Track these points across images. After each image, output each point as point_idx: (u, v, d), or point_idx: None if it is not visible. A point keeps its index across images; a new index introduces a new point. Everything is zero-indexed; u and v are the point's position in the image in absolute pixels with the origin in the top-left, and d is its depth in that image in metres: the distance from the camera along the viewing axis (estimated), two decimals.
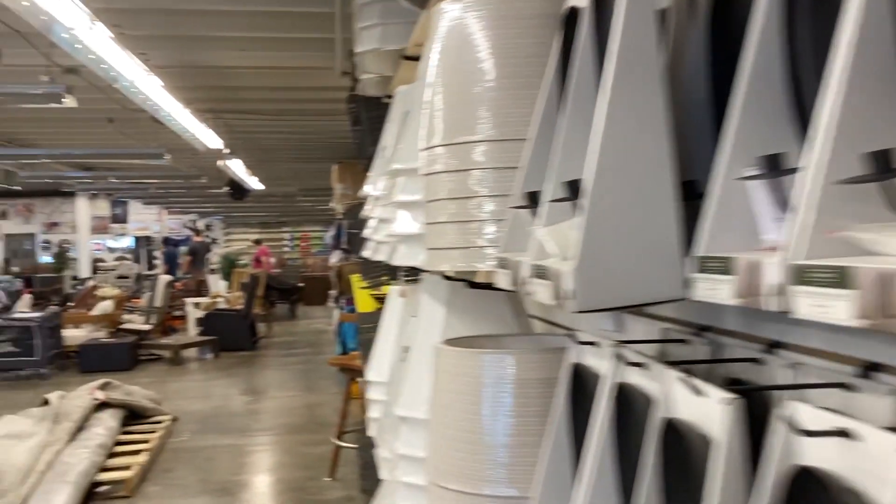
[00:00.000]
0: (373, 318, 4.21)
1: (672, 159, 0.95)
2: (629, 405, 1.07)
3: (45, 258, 25.14)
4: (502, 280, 1.25)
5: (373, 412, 2.70)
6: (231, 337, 11.29)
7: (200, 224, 27.49)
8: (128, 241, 25.55)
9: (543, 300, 1.04)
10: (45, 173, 10.85)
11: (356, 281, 5.36)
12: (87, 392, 5.81)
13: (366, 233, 2.77)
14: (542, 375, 1.48)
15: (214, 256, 18.74)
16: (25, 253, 26.45)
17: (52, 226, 25.94)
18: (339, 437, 5.00)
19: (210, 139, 7.84)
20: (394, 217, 1.86)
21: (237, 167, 10.23)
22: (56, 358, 9.65)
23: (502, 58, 1.39)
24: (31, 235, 26.41)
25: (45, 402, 5.65)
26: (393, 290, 2.87)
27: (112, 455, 5.22)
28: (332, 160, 13.03)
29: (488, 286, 1.45)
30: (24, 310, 9.84)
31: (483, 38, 1.40)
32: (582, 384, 1.26)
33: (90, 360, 9.60)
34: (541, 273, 1.04)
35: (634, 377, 1.07)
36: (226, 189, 13.91)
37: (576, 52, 1.12)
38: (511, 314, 1.91)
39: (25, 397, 8.18)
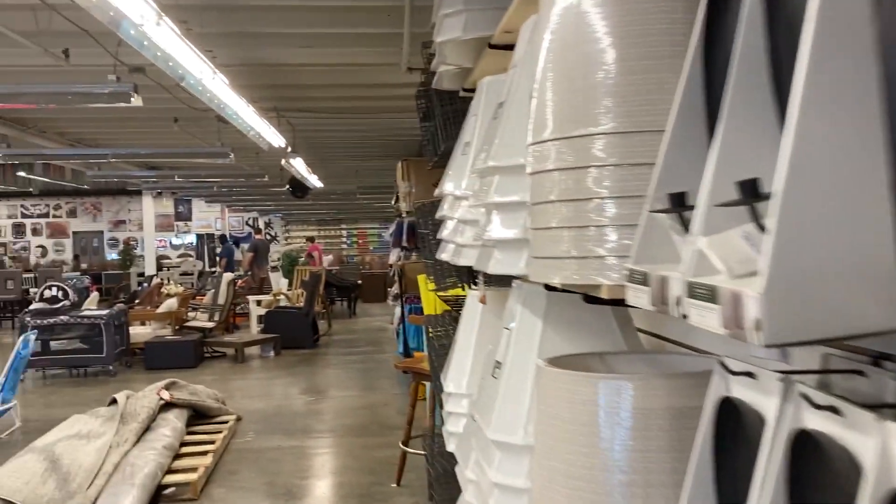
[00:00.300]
0: (441, 322, 4.06)
1: (888, 152, 0.75)
2: (809, 458, 0.87)
3: (112, 255, 25.84)
4: (637, 297, 1.06)
5: (451, 426, 2.53)
6: (292, 335, 11.31)
7: (261, 222, 27.85)
8: (191, 239, 26.06)
9: (708, 327, 0.85)
10: (112, 173, 11.03)
11: (423, 282, 5.21)
12: (153, 392, 5.80)
13: (443, 234, 2.60)
14: (668, 405, 1.28)
15: (275, 254, 18.91)
16: (94, 250, 27.27)
17: (119, 224, 26.65)
18: (406, 443, 4.86)
19: (274, 138, 7.80)
20: (487, 219, 1.68)
21: (299, 165, 10.21)
22: (122, 355, 9.78)
23: (628, 37, 1.20)
24: (98, 233, 27.18)
25: (113, 402, 5.66)
26: (471, 296, 2.70)
27: (178, 456, 5.18)
28: (394, 157, 12.94)
29: (606, 301, 1.26)
30: (91, 307, 10.01)
31: (605, 14, 1.21)
32: (732, 423, 1.06)
33: (155, 358, 9.70)
34: (705, 294, 0.85)
35: (816, 421, 0.87)
36: (287, 187, 13.96)
37: (741, 24, 0.92)
38: (617, 327, 1.71)
39: (92, 394, 8.29)
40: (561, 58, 1.28)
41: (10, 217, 26.96)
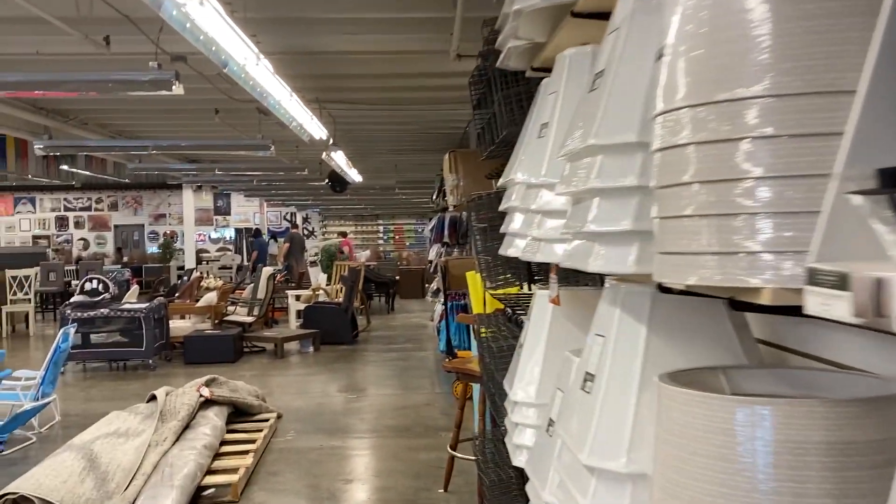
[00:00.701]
0: (494, 321, 3.83)
1: None
2: None
3: (153, 249, 26.22)
4: (825, 305, 0.82)
5: (518, 437, 2.30)
6: (331, 330, 11.18)
7: (298, 217, 27.90)
8: (229, 233, 26.26)
9: None
10: (153, 165, 10.98)
11: (473, 279, 4.97)
12: (193, 389, 5.65)
13: (510, 228, 2.37)
14: (828, 439, 1.03)
15: (313, 249, 18.87)
16: (134, 243, 27.69)
17: (159, 217, 27.07)
18: (455, 447, 4.64)
19: (315, 130, 7.63)
20: (584, 209, 1.44)
21: (339, 159, 10.05)
22: (162, 349, 9.71)
23: None
24: (139, 226, 27.59)
25: (152, 398, 5.52)
26: (539, 296, 2.47)
27: (218, 456, 5.02)
28: (435, 151, 12.75)
29: (755, 308, 1.02)
30: (131, 300, 9.96)
31: None
32: None
33: (195, 352, 9.62)
34: None
35: None
36: (326, 182, 13.84)
37: None
38: (735, 335, 1.46)
39: (132, 388, 8.21)
40: (704, 4, 1.03)
41: (53, 210, 27.52)
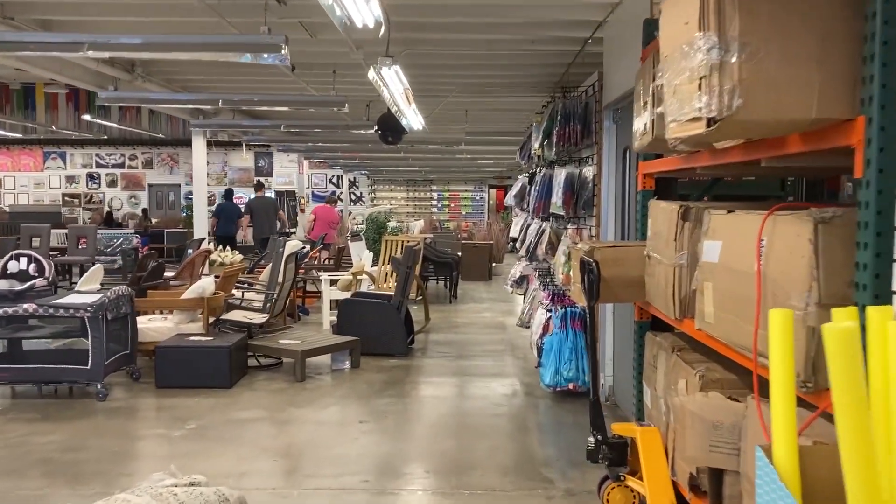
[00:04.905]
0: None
1: None
2: None
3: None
4: None
5: None
6: (377, 335, 7.83)
7: (345, 180, 24.76)
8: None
9: None
10: (131, 94, 7.69)
11: (781, 322, 1.48)
12: None
13: None
14: None
15: (359, 217, 15.47)
16: (170, 205, 25.41)
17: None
18: None
19: (359, 8, 4.20)
20: None
21: (392, 82, 6.56)
22: (125, 363, 6.47)
23: None
24: (175, 186, 25.32)
25: None
26: None
27: None
28: (523, 87, 9.20)
29: None
30: (87, 287, 6.68)
31: None
32: None
33: (170, 371, 6.36)
34: None
35: None
36: (375, 130, 10.39)
37: None
38: None
39: (49, 443, 4.77)
40: None
41: (84, 166, 25.50)
